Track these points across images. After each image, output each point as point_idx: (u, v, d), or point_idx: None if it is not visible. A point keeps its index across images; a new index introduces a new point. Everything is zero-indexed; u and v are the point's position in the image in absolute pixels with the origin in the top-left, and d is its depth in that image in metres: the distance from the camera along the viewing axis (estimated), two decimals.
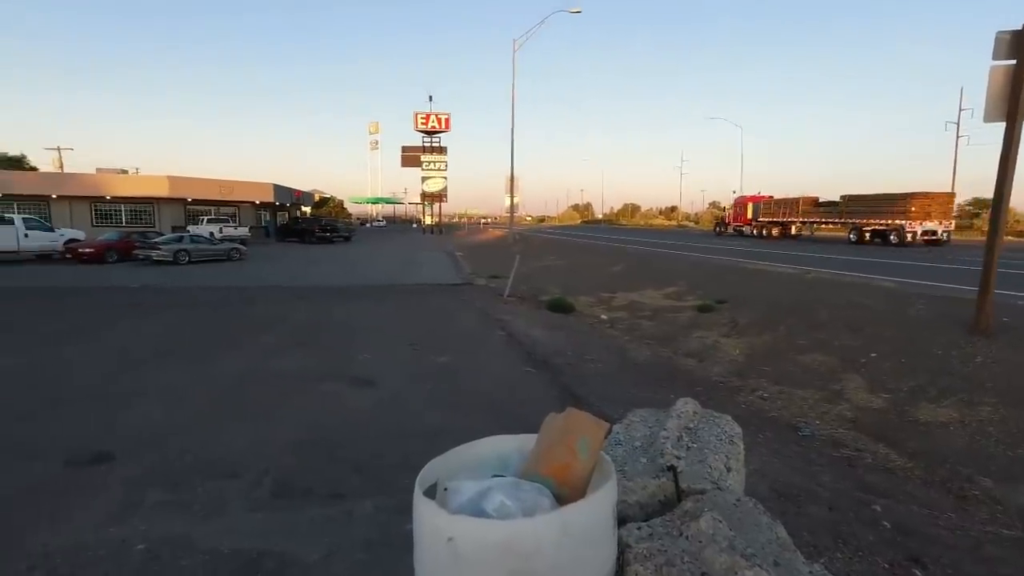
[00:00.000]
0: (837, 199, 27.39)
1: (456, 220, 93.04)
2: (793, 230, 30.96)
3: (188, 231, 24.36)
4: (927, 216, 22.84)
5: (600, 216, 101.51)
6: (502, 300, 10.24)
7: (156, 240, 19.40)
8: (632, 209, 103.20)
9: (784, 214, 30.88)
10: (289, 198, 39.63)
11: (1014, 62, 4.89)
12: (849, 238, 25.60)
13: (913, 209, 22.84)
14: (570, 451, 1.35)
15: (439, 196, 51.16)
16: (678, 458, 1.72)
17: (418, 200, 58.37)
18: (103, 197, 28.80)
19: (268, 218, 39.45)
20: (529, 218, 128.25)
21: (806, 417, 4.83)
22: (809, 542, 2.42)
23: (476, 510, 1.20)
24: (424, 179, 50.33)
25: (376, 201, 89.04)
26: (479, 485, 1.26)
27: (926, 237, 22.78)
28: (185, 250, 18.71)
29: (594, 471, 1.34)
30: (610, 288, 11.74)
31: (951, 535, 2.93)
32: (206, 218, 29.88)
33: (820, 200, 29.22)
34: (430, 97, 49.00)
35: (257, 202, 35.85)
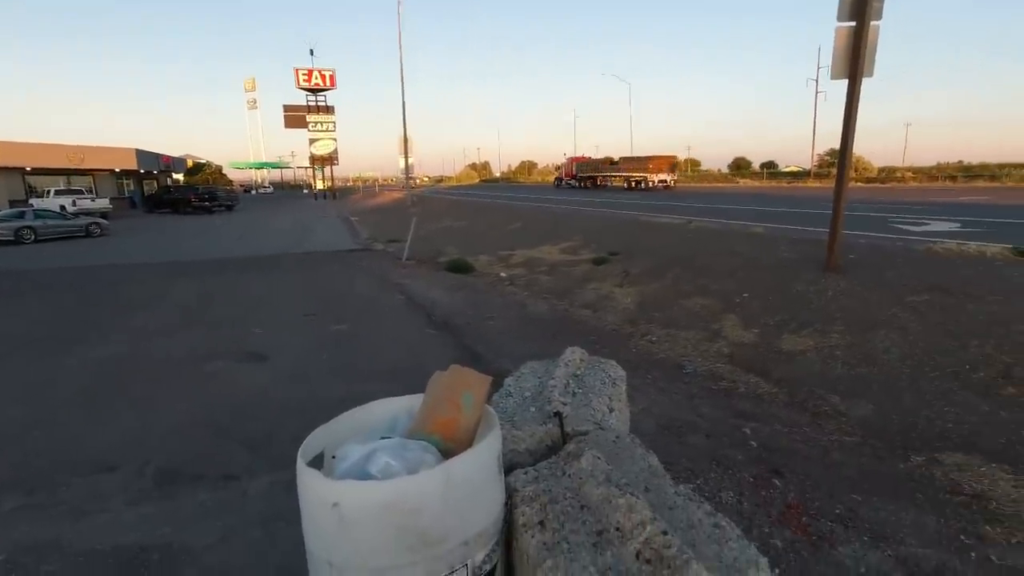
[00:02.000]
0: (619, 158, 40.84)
1: (351, 184, 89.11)
2: (599, 182, 41.86)
3: (31, 205, 21.34)
4: (659, 171, 35.43)
5: (498, 175, 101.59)
6: (400, 264, 10.05)
7: None
8: (529, 166, 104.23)
9: (593, 170, 42.98)
10: (156, 165, 35.85)
11: (854, 23, 5.40)
12: (623, 186, 37.34)
13: (651, 167, 35.55)
14: (455, 406, 1.36)
15: (330, 159, 48.54)
16: (564, 404, 1.80)
17: (307, 164, 55.09)
18: None
19: (133, 188, 35.49)
20: (426, 179, 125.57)
21: (689, 356, 5.25)
22: (688, 467, 2.66)
23: (361, 473, 1.18)
24: (312, 141, 47.41)
25: (260, 166, 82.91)
26: (364, 449, 1.24)
27: (662, 184, 34.98)
28: (30, 227, 16.45)
29: (480, 423, 1.37)
30: (509, 246, 11.89)
31: (805, 447, 3.36)
32: (53, 190, 26.23)
33: (612, 160, 41.97)
34: (311, 51, 45.43)
35: (117, 170, 32.06)
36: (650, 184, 34.81)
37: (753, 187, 41.92)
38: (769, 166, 69.30)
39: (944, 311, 4.94)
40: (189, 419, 3.48)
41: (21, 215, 17.10)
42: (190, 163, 58.12)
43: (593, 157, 45.93)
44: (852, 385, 4.36)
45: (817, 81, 47.13)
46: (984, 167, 41.28)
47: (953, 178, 37.92)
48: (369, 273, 9.15)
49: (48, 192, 25.97)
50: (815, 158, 51.07)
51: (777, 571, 1.96)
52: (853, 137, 5.68)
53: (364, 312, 6.33)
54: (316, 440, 1.37)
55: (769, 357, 5.09)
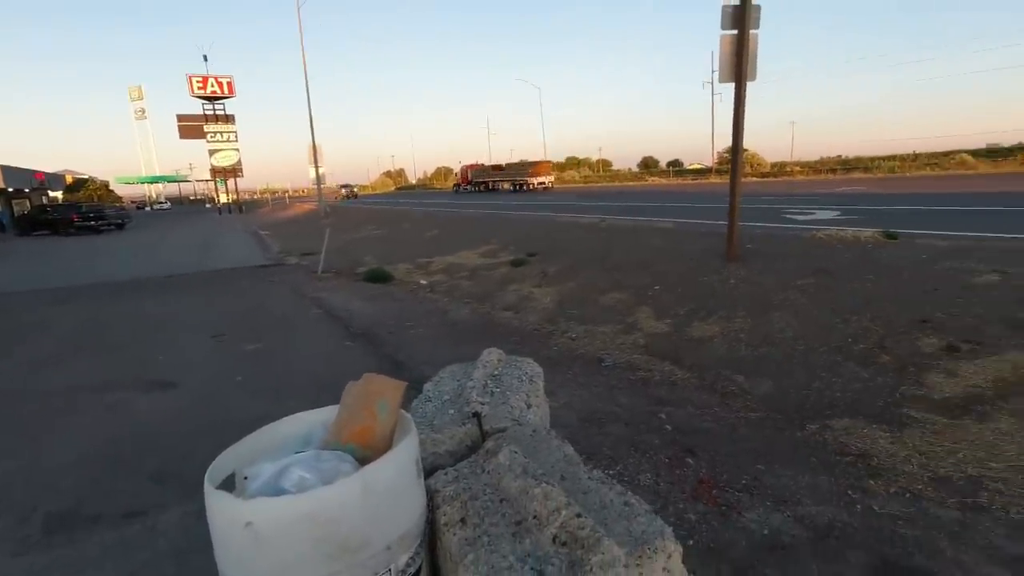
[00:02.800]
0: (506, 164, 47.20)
1: (259, 196, 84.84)
2: (490, 186, 46.50)
3: None
4: (539, 175, 41.15)
5: (414, 181, 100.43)
6: (316, 277, 9.71)
7: None
8: (445, 172, 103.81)
9: (486, 176, 47.52)
10: (28, 183, 32.47)
11: (735, 31, 5.85)
12: (510, 189, 42.54)
13: (531, 171, 41.41)
14: (370, 414, 1.36)
15: (233, 171, 46.00)
16: (482, 404, 1.84)
17: (208, 177, 51.89)
18: None
19: (1, 208, 31.95)
20: (341, 188, 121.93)
21: (608, 349, 5.46)
22: (609, 455, 2.78)
23: (275, 490, 1.16)
24: (212, 152, 44.72)
25: (154, 180, 77.24)
26: (277, 465, 1.22)
27: (541, 186, 40.29)
28: None
29: (396, 429, 1.38)
30: (428, 253, 11.80)
31: (715, 425, 3.59)
32: None
33: (500, 166, 47.69)
34: (205, 57, 42.93)
35: None
36: (532, 186, 40.58)
37: (661, 184, 44.10)
38: (675, 164, 73.23)
39: (828, 291, 5.45)
40: (84, 455, 3.20)
41: None
42: (70, 179, 53.07)
43: (485, 164, 51.22)
44: (755, 365, 4.71)
45: (712, 84, 50.37)
46: (859, 160, 45.92)
47: (834, 171, 41.75)
48: (283, 288, 8.77)
49: None
50: (715, 156, 54.54)
51: (691, 541, 2.10)
52: (742, 136, 6.14)
53: (279, 329, 6.08)
54: (225, 461, 1.33)
55: (681, 345, 5.39)
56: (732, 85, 6.08)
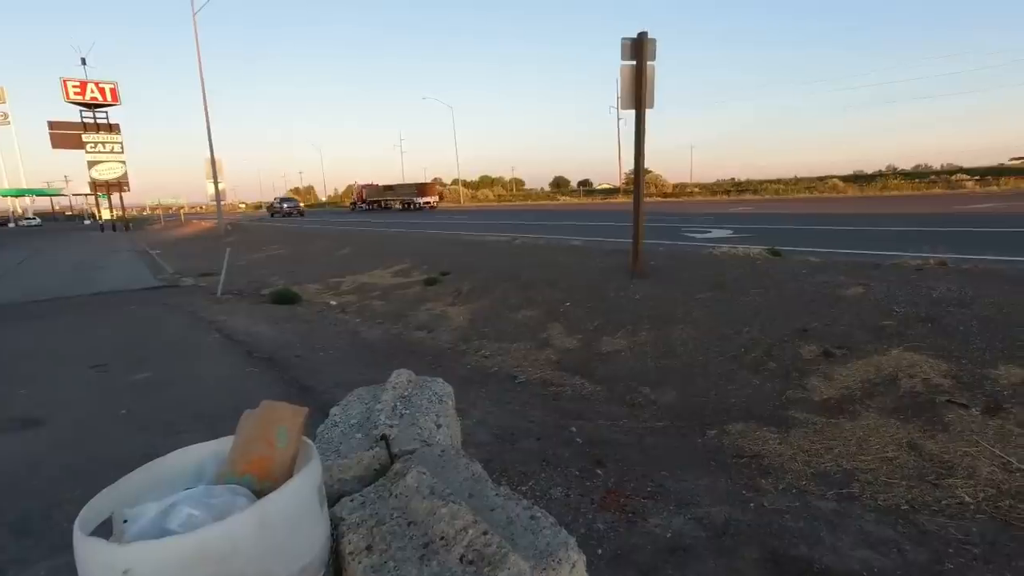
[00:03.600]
0: (393, 184, 50.88)
1: (149, 212, 78.53)
2: (383, 204, 49.69)
3: None
4: (425, 195, 45.12)
5: (324, 199, 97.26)
6: (216, 300, 9.10)
7: None
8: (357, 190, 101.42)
9: (379, 195, 50.63)
10: None
11: (634, 62, 6.24)
12: (400, 207, 45.55)
13: (418, 191, 45.35)
14: (268, 443, 1.30)
15: (118, 184, 42.18)
16: (391, 426, 1.81)
17: (88, 191, 47.33)
18: None
19: None
20: (243, 205, 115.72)
21: (521, 366, 5.53)
22: (521, 471, 2.81)
23: (159, 531, 1.08)
24: (92, 164, 40.77)
25: (19, 193, 69.46)
26: (161, 504, 1.13)
27: (427, 204, 43.99)
28: None
29: (298, 457, 1.32)
30: (338, 272, 11.44)
31: (624, 436, 3.74)
32: None
33: (391, 186, 50.45)
34: (83, 60, 39.10)
35: None
36: (419, 205, 44.38)
37: (572, 204, 45.65)
38: (585, 184, 76.08)
39: (723, 305, 5.86)
40: None
41: None
42: None
43: (378, 184, 53.95)
44: (659, 376, 4.96)
45: (617, 109, 53.18)
46: (749, 183, 50.20)
47: (728, 192, 45.29)
48: (176, 312, 8.13)
49: None
50: (622, 176, 57.41)
51: (600, 550, 2.17)
52: (643, 158, 6.52)
53: (173, 356, 5.62)
54: (101, 504, 1.21)
55: (591, 359, 5.57)
56: (632, 112, 6.46)
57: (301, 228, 26.72)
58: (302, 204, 56.73)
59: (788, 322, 5.12)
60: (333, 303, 8.89)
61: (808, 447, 3.37)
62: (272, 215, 48.94)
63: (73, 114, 40.29)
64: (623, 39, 6.11)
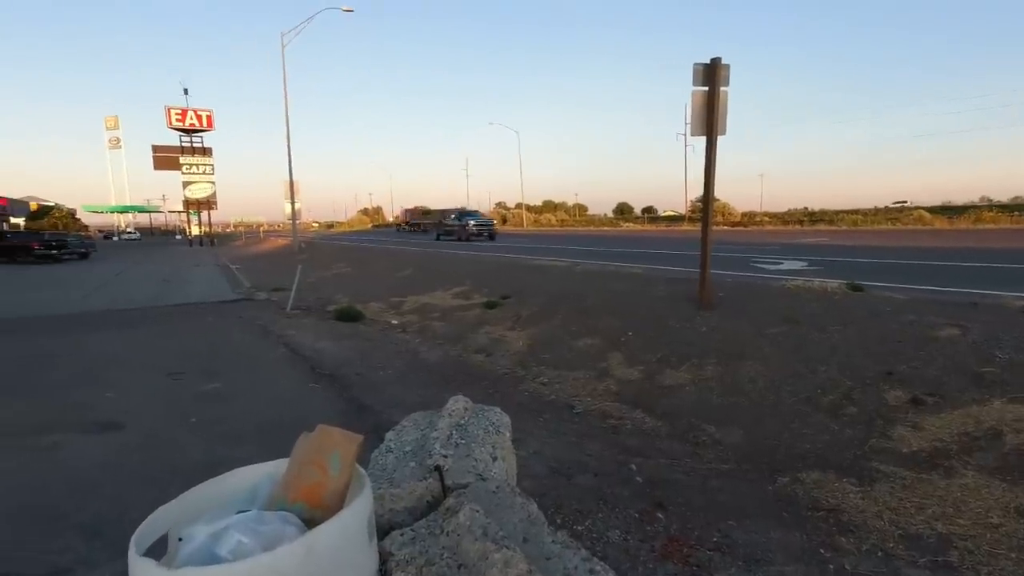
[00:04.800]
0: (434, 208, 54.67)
1: (232, 229, 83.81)
2: (421, 227, 52.66)
3: None
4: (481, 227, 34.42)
5: (391, 220, 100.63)
6: (285, 314, 9.49)
7: None
8: (422, 212, 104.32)
9: (419, 218, 55.41)
10: None
11: (706, 88, 6.09)
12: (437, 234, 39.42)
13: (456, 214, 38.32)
14: (321, 470, 1.27)
15: (207, 203, 45.53)
16: (445, 456, 1.75)
17: (181, 208, 51.23)
18: None
19: None
20: (316, 224, 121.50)
21: (579, 396, 5.39)
22: (577, 509, 2.68)
23: (208, 557, 1.06)
24: (187, 184, 44.30)
25: (124, 210, 75.99)
26: (213, 527, 1.11)
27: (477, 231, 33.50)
28: None
29: (350, 486, 1.29)
30: (401, 292, 11.69)
31: (686, 477, 3.53)
32: None
33: (427, 211, 55.64)
34: (185, 91, 42.89)
35: None
36: (465, 233, 42.13)
37: (635, 230, 45.05)
38: (649, 211, 75.03)
39: (797, 341, 5.51)
40: (10, 504, 2.95)
41: None
42: (34, 206, 51.81)
43: (418, 209, 59.41)
44: (725, 414, 4.69)
45: (685, 135, 52.38)
46: (824, 212, 47.83)
47: (801, 222, 43.32)
48: (249, 325, 8.53)
49: None
50: (688, 204, 56.23)
51: None
52: (713, 186, 6.31)
53: (241, 368, 5.86)
54: (158, 522, 1.21)
55: (653, 392, 5.35)
56: (704, 138, 6.29)
57: (366, 248, 27.68)
58: (496, 223, 39.43)
59: (871, 364, 4.74)
60: (395, 322, 9.06)
61: (895, 504, 3.05)
62: (438, 237, 35.31)
63: (173, 138, 44.03)
64: (695, 64, 5.99)
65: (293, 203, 30.01)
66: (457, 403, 2.30)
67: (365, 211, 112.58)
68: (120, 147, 75.79)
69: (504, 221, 71.92)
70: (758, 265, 11.85)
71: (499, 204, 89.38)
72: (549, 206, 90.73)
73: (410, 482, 1.66)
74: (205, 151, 44.84)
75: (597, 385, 5.67)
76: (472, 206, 56.23)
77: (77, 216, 65.44)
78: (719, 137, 6.24)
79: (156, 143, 45.30)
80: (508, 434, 2.17)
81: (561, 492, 2.88)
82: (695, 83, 6.06)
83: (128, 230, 74.55)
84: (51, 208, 57.08)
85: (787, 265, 11.65)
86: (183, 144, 43.99)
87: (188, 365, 5.93)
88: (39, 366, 6.15)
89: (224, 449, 3.60)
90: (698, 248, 6.96)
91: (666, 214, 68.14)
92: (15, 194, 39.78)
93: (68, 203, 65.64)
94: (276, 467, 1.42)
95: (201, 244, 44.45)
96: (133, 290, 14.45)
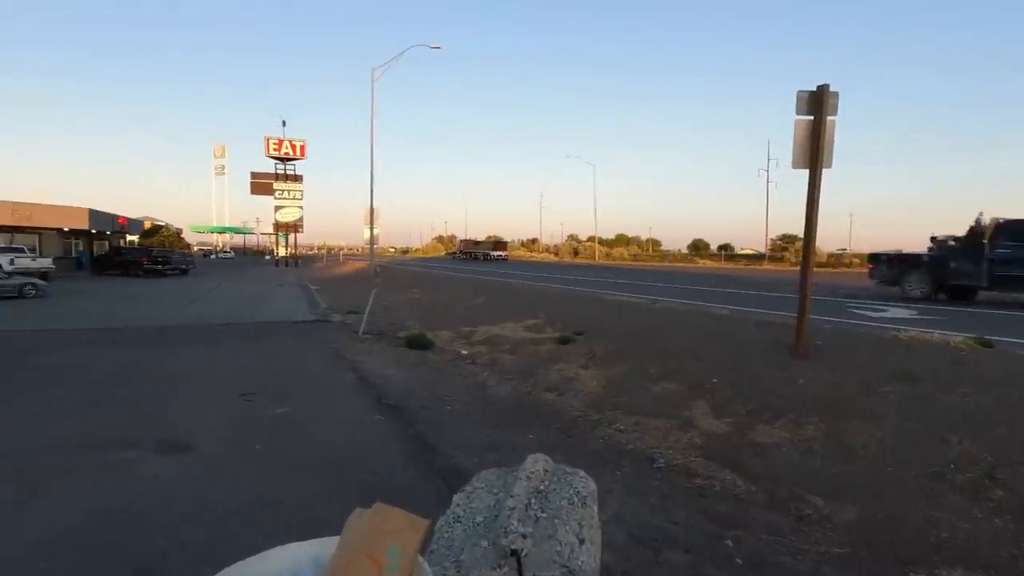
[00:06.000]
0: (487, 239, 68.26)
1: (314, 251, 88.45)
2: (473, 256, 61.85)
3: None
4: (498, 249, 60.38)
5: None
6: (357, 338, 9.56)
7: None
8: (495, 240, 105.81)
9: (471, 247, 65.18)
10: (111, 226, 34.76)
11: (811, 117, 5.58)
12: (481, 257, 58.63)
13: (493, 247, 60.42)
14: (374, 564, 0.99)
15: (294, 226, 48.23)
16: (524, 536, 1.43)
17: (271, 230, 54.60)
18: None
19: (81, 248, 34.15)
20: (392, 249, 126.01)
21: (660, 447, 4.90)
22: None
23: None
24: (278, 208, 47.21)
25: (223, 231, 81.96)
26: None
27: (499, 256, 58.05)
28: None
29: None
30: (472, 321, 11.56)
31: (793, 560, 3.00)
32: None
33: (477, 241, 67.39)
34: (283, 123, 46.34)
35: (67, 229, 30.92)
36: (492, 256, 57.98)
37: (712, 267, 43.37)
38: (726, 248, 72.33)
39: (917, 402, 4.79)
40: (71, 528, 2.88)
41: None
42: (148, 225, 56.87)
43: (473, 240, 71.01)
44: (833, 483, 4.07)
45: (768, 171, 50.36)
46: None
47: None
48: (322, 347, 8.63)
49: None
50: (768, 241, 53.70)
51: None
52: (816, 224, 5.74)
53: (309, 393, 5.82)
54: None
55: (744, 450, 4.78)
56: (795, 171, 5.76)
57: (438, 274, 28.13)
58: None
59: (1018, 439, 3.99)
60: (464, 352, 8.88)
61: None
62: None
63: (268, 165, 47.28)
64: (799, 92, 5.51)
65: (372, 229, 31.11)
66: (537, 463, 1.97)
67: (440, 238, 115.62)
68: (224, 173, 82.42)
69: (575, 254, 72.01)
70: (857, 311, 10.83)
71: (571, 236, 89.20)
72: (622, 240, 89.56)
73: (481, 569, 1.35)
74: (296, 178, 47.72)
75: (680, 436, 5.16)
76: (545, 238, 70.48)
77: (183, 235, 71.31)
78: (824, 170, 5.69)
79: (254, 170, 48.86)
80: (595, 507, 1.82)
81: (649, 571, 2.47)
82: (798, 112, 5.57)
83: (225, 249, 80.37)
84: (161, 227, 62.56)
85: (892, 313, 10.55)
86: (277, 171, 47.09)
87: (260, 385, 5.96)
88: (128, 378, 6.40)
89: (282, 484, 3.45)
90: (784, 289, 6.35)
91: (744, 252, 65.40)
92: (133, 214, 43.82)
93: (177, 223, 71.90)
94: (321, 548, 1.14)
95: (287, 265, 46.97)
96: (222, 306, 15.23)
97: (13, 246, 26.22)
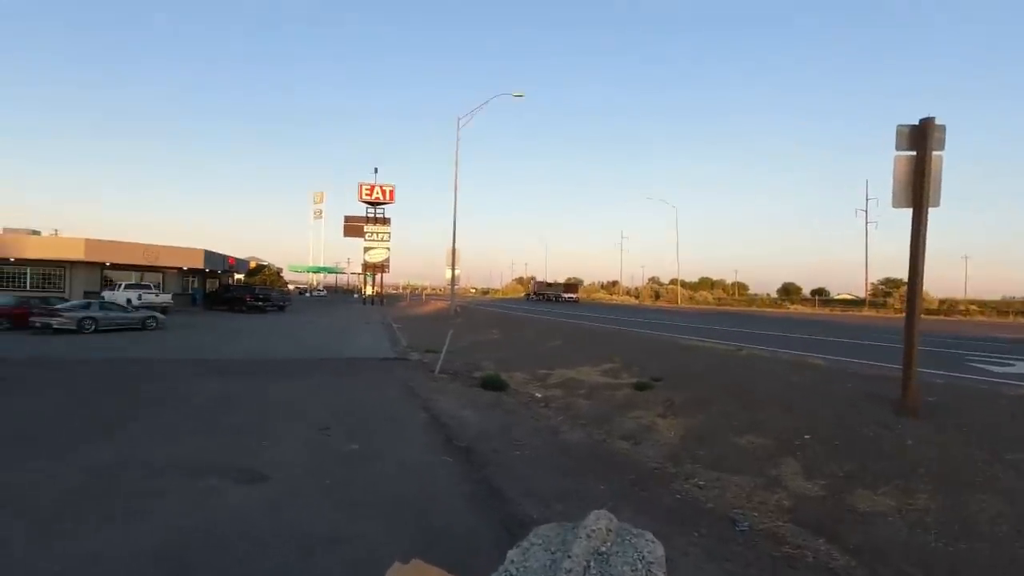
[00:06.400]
0: (567, 280, 70.41)
1: (399, 291, 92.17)
2: (545, 296, 64.17)
3: (102, 297, 22.73)
4: (570, 291, 62.10)
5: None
6: (432, 377, 9.70)
7: (58, 307, 17.76)
8: (575, 283, 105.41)
9: (544, 289, 67.28)
10: (222, 265, 38.07)
11: (914, 153, 5.16)
12: (553, 299, 61.96)
13: (564, 288, 63.02)
14: None
15: (381, 266, 50.67)
16: None
17: (360, 270, 57.60)
18: (7, 259, 26.64)
19: (196, 285, 37.57)
20: (473, 290, 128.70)
21: (743, 508, 4.51)
22: None
23: None
24: (367, 249, 49.90)
25: (317, 270, 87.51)
26: None
27: (570, 299, 59.64)
28: (92, 318, 17.21)
29: None
30: (548, 364, 11.43)
31: None
32: (124, 284, 28.10)
33: (550, 283, 69.13)
34: (375, 169, 49.49)
35: (185, 268, 34.20)
36: (563, 298, 59.95)
37: (805, 313, 40.67)
38: (820, 292, 67.84)
39: None
40: (153, 548, 3.04)
41: (87, 306, 18.01)
42: (253, 264, 61.76)
43: (546, 281, 73.79)
44: (951, 564, 3.55)
45: (867, 212, 47.15)
46: None
47: (1022, 313, 35.72)
48: (399, 385, 8.83)
49: (119, 285, 27.76)
50: (868, 286, 49.75)
51: None
52: (922, 267, 5.23)
53: (382, 431, 5.92)
54: None
55: (840, 517, 4.30)
56: (899, 211, 5.30)
57: (516, 315, 28.28)
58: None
59: None
60: (538, 395, 8.76)
61: None
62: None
63: (359, 209, 50.37)
64: (899, 127, 5.13)
65: (453, 270, 31.99)
66: (599, 521, 1.84)
67: (520, 280, 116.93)
68: (321, 218, 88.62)
69: (656, 297, 70.32)
70: (977, 365, 9.66)
71: (652, 279, 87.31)
72: (706, 283, 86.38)
73: None
74: (385, 220, 50.42)
75: (766, 496, 4.74)
76: (625, 280, 70.77)
77: (282, 274, 76.88)
78: (930, 209, 5.21)
79: (347, 214, 52.29)
80: (662, 575, 1.66)
81: None
82: (899, 147, 5.17)
83: (318, 288, 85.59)
84: (265, 267, 67.85)
85: (1021, 367, 9.32)
86: (368, 215, 50.03)
87: (337, 420, 6.16)
88: (224, 408, 6.83)
89: (345, 520, 3.48)
90: (886, 339, 5.76)
91: (841, 296, 60.95)
92: (240, 254, 47.93)
93: (278, 262, 77.72)
94: None
95: (372, 303, 49.18)
96: (313, 341, 16.11)
97: (142, 283, 29.36)
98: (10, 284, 26.78)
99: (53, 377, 9.12)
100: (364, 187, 48.61)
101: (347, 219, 52.39)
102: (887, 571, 3.51)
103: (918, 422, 5.49)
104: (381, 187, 48.98)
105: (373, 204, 49.58)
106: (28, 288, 26.68)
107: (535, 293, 70.30)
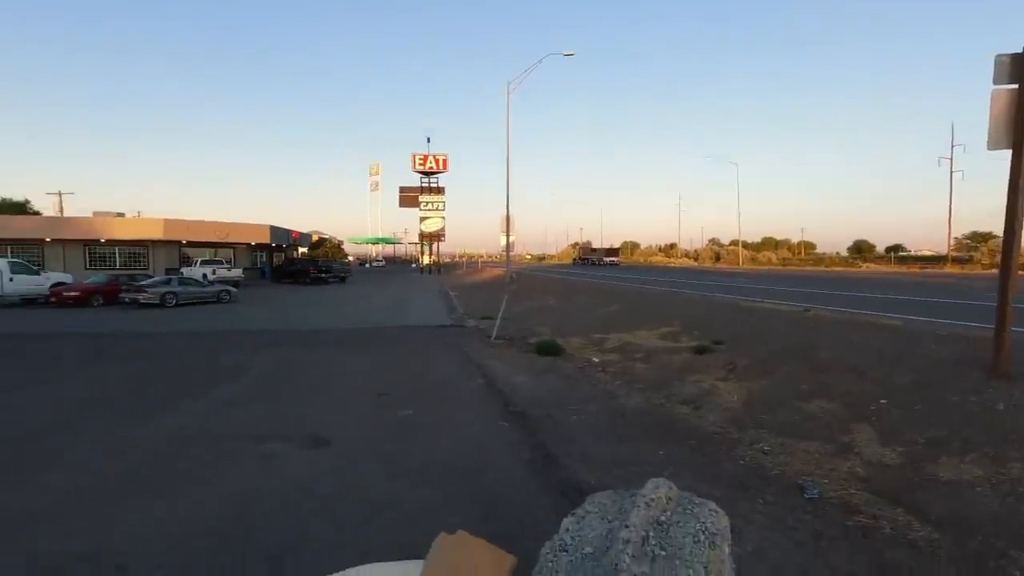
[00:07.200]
0: (609, 246, 71.55)
1: (455, 259, 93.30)
2: (590, 261, 65.67)
3: (181, 273, 24.22)
4: (611, 255, 64.37)
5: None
6: (489, 343, 9.78)
7: (143, 283, 19.07)
8: (631, 247, 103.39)
9: (589, 254, 69.14)
10: (286, 239, 39.63)
11: (1016, 86, 4.59)
12: (595, 263, 62.24)
13: (606, 253, 65.00)
14: None
15: (437, 236, 51.33)
16: None
17: (416, 240, 58.62)
18: (97, 240, 28.71)
19: (264, 259, 39.34)
20: (529, 256, 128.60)
21: (812, 475, 4.31)
22: None
23: None
24: (422, 219, 50.59)
25: (375, 241, 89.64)
26: None
27: (611, 262, 60.98)
28: (173, 292, 18.38)
29: None
30: (604, 328, 11.28)
31: None
32: (199, 260, 29.80)
33: (594, 248, 71.00)
34: (428, 139, 49.90)
35: (253, 243, 35.79)
36: (604, 262, 61.07)
37: (880, 272, 38.27)
38: (896, 249, 63.57)
39: None
40: (221, 513, 3.20)
41: (168, 282, 19.26)
42: (315, 238, 63.96)
43: (590, 246, 76.34)
44: None
45: (952, 159, 43.35)
46: None
47: None
48: (455, 352, 8.94)
49: (195, 262, 29.47)
50: (952, 241, 46.14)
51: None
52: (1021, 215, 4.70)
53: (439, 396, 6.02)
54: None
55: (921, 486, 4.03)
56: (998, 152, 4.75)
57: (572, 280, 28.04)
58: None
59: None
60: (595, 360, 8.67)
61: None
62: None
63: (414, 180, 50.91)
64: (999, 56, 4.56)
65: (508, 236, 31.91)
66: (658, 490, 1.76)
67: (575, 245, 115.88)
68: (379, 189, 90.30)
69: (717, 259, 68.00)
70: None
71: (712, 240, 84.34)
72: (769, 243, 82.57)
73: None
74: (439, 190, 50.81)
75: (837, 464, 4.50)
76: (684, 243, 69.28)
77: (343, 246, 79.33)
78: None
79: (402, 184, 53.06)
80: (727, 548, 1.57)
81: None
82: (997, 80, 4.61)
83: (377, 259, 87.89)
84: (326, 240, 70.20)
85: None
86: (422, 184, 50.53)
87: (396, 386, 6.31)
88: (288, 376, 7.15)
89: (402, 486, 3.55)
90: (971, 296, 5.26)
91: (920, 254, 56.90)
92: (304, 228, 49.72)
93: (339, 235, 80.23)
94: (404, 571, 1.09)
95: (430, 272, 50.05)
96: (373, 310, 16.60)
97: (215, 259, 31.03)
98: (101, 264, 28.92)
99: (142, 348, 9.82)
100: (417, 158, 48.99)
101: (402, 190, 53.15)
102: (975, 543, 3.26)
103: (1012, 386, 5.04)
104: (435, 157, 49.23)
105: (427, 174, 49.97)
106: (117, 266, 28.74)
107: (580, 258, 72.62)
